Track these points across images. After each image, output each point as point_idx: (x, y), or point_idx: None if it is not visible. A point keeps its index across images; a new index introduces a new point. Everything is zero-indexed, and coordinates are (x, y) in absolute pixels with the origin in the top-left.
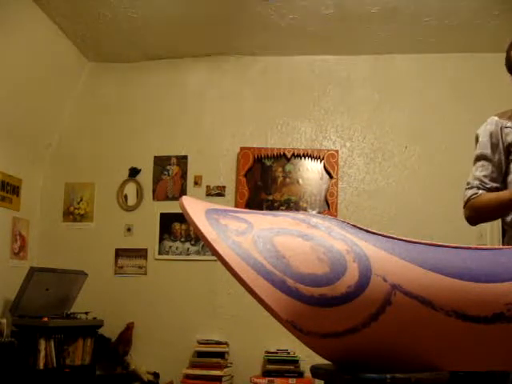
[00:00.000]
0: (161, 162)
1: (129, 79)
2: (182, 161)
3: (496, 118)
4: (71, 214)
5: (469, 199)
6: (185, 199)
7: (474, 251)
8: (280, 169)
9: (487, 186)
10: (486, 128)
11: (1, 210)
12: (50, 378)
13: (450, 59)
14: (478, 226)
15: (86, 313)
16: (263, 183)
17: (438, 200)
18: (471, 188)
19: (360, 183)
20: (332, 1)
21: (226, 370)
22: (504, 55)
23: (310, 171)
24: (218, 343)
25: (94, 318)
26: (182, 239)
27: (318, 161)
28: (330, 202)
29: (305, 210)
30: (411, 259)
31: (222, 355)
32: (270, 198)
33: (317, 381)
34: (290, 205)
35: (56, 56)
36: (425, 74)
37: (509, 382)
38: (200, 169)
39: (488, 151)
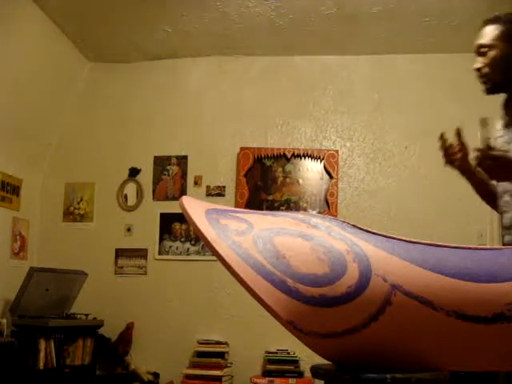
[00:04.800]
0: (161, 162)
1: (129, 79)
2: (182, 161)
3: None
4: (71, 214)
5: None
6: (185, 199)
7: (474, 251)
8: (280, 169)
9: None
10: None
11: (1, 210)
12: (50, 378)
13: (450, 59)
14: (477, 225)
15: (86, 315)
16: (263, 183)
17: (438, 200)
18: None
19: (360, 183)
20: (332, 1)
21: (225, 370)
22: None
23: (310, 171)
24: (218, 343)
25: (94, 318)
26: (182, 239)
27: (318, 161)
28: (330, 201)
29: (305, 209)
30: (411, 259)
31: (222, 355)
32: (270, 197)
33: (317, 381)
34: (290, 205)
35: (56, 56)
36: (425, 74)
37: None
38: (200, 169)
39: None
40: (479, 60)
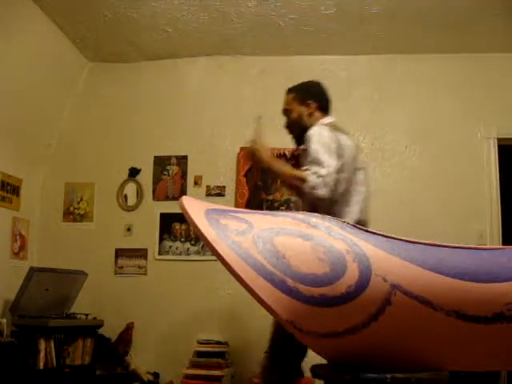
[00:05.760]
0: (161, 162)
1: (129, 79)
2: (182, 161)
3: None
4: (71, 214)
5: None
6: (185, 199)
7: (474, 251)
8: None
9: None
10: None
11: (1, 210)
12: (50, 377)
13: (450, 59)
14: (477, 225)
15: (86, 315)
16: (263, 183)
17: (438, 200)
18: None
19: None
20: (332, 1)
21: (226, 370)
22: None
23: None
24: (218, 343)
25: (94, 318)
26: (182, 239)
27: None
28: None
29: None
30: (411, 259)
31: (222, 355)
32: (270, 197)
33: (317, 381)
34: (290, 205)
35: (56, 56)
36: (425, 74)
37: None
38: (200, 169)
39: None
40: (286, 120)
